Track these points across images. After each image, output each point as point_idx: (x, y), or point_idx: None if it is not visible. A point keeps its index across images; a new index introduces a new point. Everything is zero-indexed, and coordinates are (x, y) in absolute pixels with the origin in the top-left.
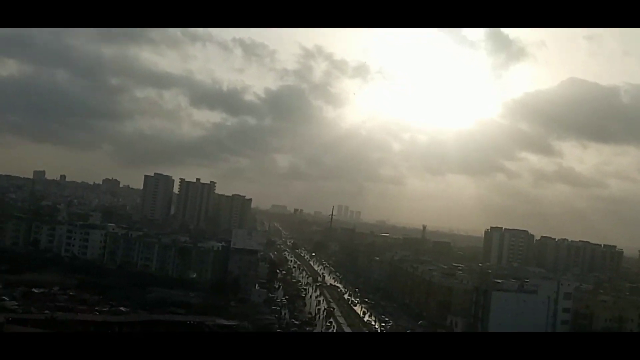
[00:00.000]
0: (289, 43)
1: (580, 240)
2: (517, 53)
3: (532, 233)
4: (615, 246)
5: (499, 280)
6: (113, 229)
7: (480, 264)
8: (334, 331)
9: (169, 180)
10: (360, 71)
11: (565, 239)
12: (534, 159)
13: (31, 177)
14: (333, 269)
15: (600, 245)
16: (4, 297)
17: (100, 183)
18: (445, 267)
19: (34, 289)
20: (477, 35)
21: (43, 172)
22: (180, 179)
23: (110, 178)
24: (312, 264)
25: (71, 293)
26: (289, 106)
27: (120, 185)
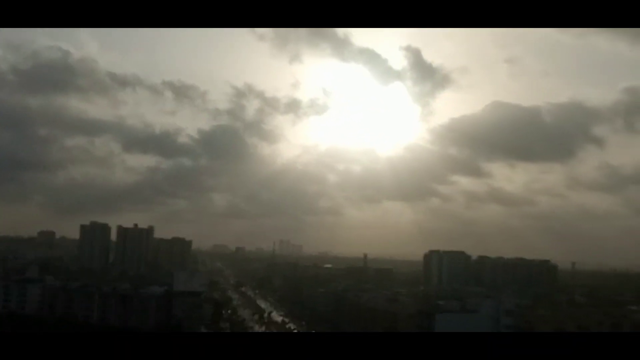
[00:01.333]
0: (220, 82)
1: (515, 257)
2: (441, 80)
3: (469, 254)
4: (549, 260)
5: (441, 302)
6: (51, 282)
7: (422, 287)
8: None
9: (105, 228)
10: (292, 106)
11: (501, 257)
12: (465, 182)
13: None
14: (278, 304)
15: (535, 260)
16: None
17: (35, 236)
18: (388, 293)
19: None
20: (402, 64)
21: None
22: (117, 225)
23: (45, 230)
24: (256, 301)
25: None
26: (223, 145)
27: (57, 237)
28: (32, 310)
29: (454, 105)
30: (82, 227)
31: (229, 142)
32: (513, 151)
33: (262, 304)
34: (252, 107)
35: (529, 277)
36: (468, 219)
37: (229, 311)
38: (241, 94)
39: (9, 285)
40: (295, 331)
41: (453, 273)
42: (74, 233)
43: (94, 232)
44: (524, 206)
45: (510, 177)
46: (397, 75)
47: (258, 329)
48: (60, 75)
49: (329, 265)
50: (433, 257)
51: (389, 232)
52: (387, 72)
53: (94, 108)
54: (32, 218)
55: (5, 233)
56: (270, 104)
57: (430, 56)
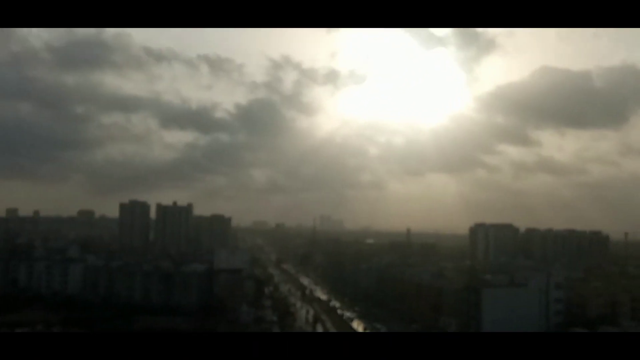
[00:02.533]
0: (256, 55)
1: (565, 229)
2: (486, 45)
3: (516, 226)
4: (600, 231)
5: (488, 277)
6: (92, 261)
7: (468, 262)
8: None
9: (145, 206)
10: (331, 77)
11: (550, 229)
12: (512, 151)
13: (4, 215)
14: (320, 281)
15: (586, 232)
16: None
17: (75, 215)
18: (433, 268)
19: (16, 330)
20: (445, 31)
21: (16, 210)
22: (156, 203)
23: (85, 209)
24: (298, 278)
25: (56, 330)
26: (261, 119)
27: (96, 216)
28: (75, 289)
29: (501, 71)
30: (122, 205)
31: (266, 116)
32: (563, 118)
33: (304, 281)
34: (289, 79)
35: (580, 249)
36: (516, 189)
37: (270, 288)
38: (278, 65)
39: (51, 265)
40: (295, 331)
41: (500, 246)
42: (114, 212)
43: (134, 211)
44: (575, 175)
45: (560, 145)
46: (440, 40)
47: (300, 306)
48: (95, 51)
49: (371, 241)
50: (479, 231)
51: (433, 205)
52: (429, 38)
53: (130, 84)
54: (71, 197)
55: (46, 213)
56: (308, 75)
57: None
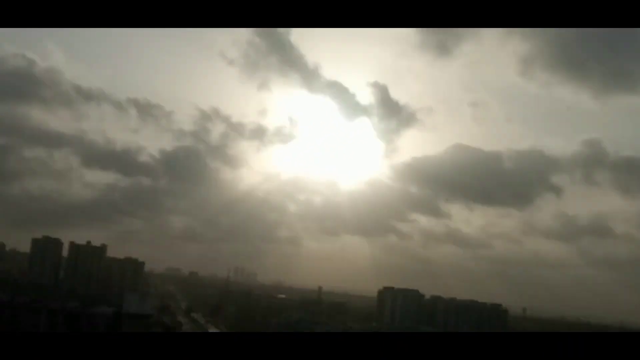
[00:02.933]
0: (186, 104)
1: (468, 300)
2: (407, 119)
3: (422, 292)
4: (500, 304)
5: None
6: None
7: (374, 324)
8: None
9: (58, 243)
10: (258, 133)
11: (454, 298)
12: (424, 220)
13: None
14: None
15: (487, 303)
16: None
17: None
18: (341, 327)
19: None
20: (370, 100)
21: None
22: (70, 242)
23: None
24: (207, 328)
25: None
26: (185, 167)
27: (7, 249)
28: None
29: (418, 144)
30: (34, 240)
31: (191, 164)
32: (472, 194)
33: (213, 331)
34: (217, 130)
35: (481, 320)
36: (424, 257)
37: None
38: (207, 116)
39: None
40: (295, 331)
41: (406, 311)
42: (25, 246)
43: (46, 247)
44: (480, 249)
45: (468, 219)
46: (364, 110)
47: None
48: (24, 84)
49: (282, 296)
50: (387, 294)
51: (345, 265)
52: (354, 107)
53: (56, 120)
54: None
55: None
56: (235, 129)
57: (398, 94)
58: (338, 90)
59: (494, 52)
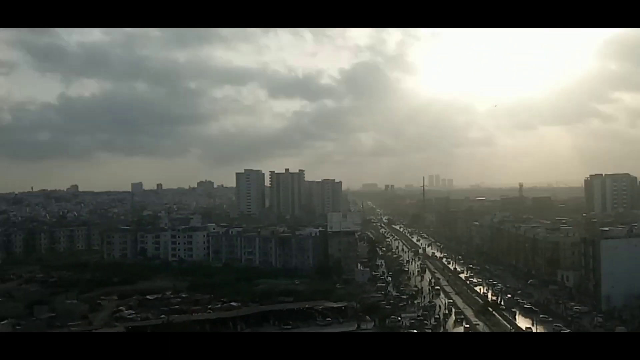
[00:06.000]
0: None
1: None
2: None
3: (634, 175)
4: None
5: (606, 228)
6: (214, 229)
7: (584, 214)
8: (443, 302)
9: (259, 174)
10: (435, 35)
11: None
12: (628, 98)
13: (130, 190)
14: (432, 240)
15: None
16: (120, 307)
17: (196, 186)
18: (548, 222)
19: (147, 296)
20: None
21: (140, 184)
22: (270, 171)
23: (204, 180)
24: (410, 238)
25: (183, 295)
26: (366, 83)
27: (215, 186)
28: (199, 256)
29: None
30: (238, 174)
31: (371, 79)
32: None
33: (416, 240)
34: (393, 39)
35: None
36: (632, 137)
37: (383, 248)
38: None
39: (176, 234)
40: (294, 331)
41: (618, 197)
42: (231, 181)
43: (249, 179)
44: None
45: None
46: None
47: (414, 265)
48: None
49: (482, 198)
50: (595, 182)
51: (545, 158)
52: None
53: (238, 56)
54: (191, 169)
55: (168, 186)
56: (412, 34)
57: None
58: None
59: None
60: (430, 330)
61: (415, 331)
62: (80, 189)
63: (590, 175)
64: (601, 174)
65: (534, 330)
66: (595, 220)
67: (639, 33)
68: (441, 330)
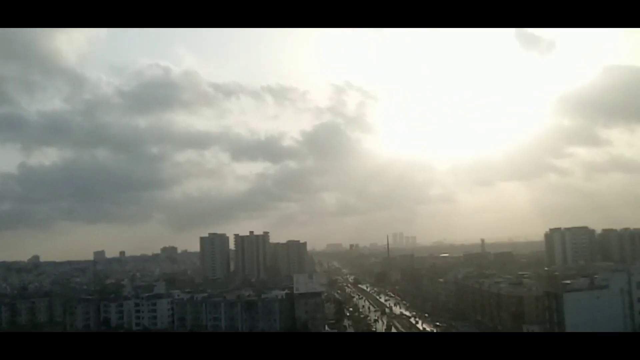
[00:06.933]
0: (318, 82)
1: None
2: (546, 46)
3: (592, 228)
4: None
5: (568, 281)
6: (178, 295)
7: (546, 268)
8: None
9: (223, 237)
10: (392, 94)
11: (627, 228)
12: (583, 152)
13: (92, 258)
14: (399, 298)
15: None
16: None
17: (159, 252)
18: (511, 277)
19: None
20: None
21: (103, 252)
22: (234, 234)
23: (168, 246)
24: (377, 297)
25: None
26: (327, 143)
27: (179, 251)
28: (164, 324)
29: (564, 74)
30: (202, 239)
31: (332, 140)
32: (632, 113)
33: (383, 299)
34: (352, 101)
35: None
36: (589, 191)
37: (350, 309)
38: (340, 89)
39: (140, 303)
40: (294, 331)
41: (577, 250)
42: (195, 246)
43: (213, 243)
44: None
45: (630, 141)
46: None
47: (382, 325)
48: (165, 91)
49: (445, 254)
50: (555, 235)
51: (505, 214)
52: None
53: (201, 120)
54: (154, 235)
55: (131, 252)
56: (370, 96)
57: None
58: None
59: None
60: None
61: (415, 331)
62: (42, 259)
63: (550, 229)
64: (560, 228)
65: None
66: (557, 273)
67: (589, 90)
68: None
